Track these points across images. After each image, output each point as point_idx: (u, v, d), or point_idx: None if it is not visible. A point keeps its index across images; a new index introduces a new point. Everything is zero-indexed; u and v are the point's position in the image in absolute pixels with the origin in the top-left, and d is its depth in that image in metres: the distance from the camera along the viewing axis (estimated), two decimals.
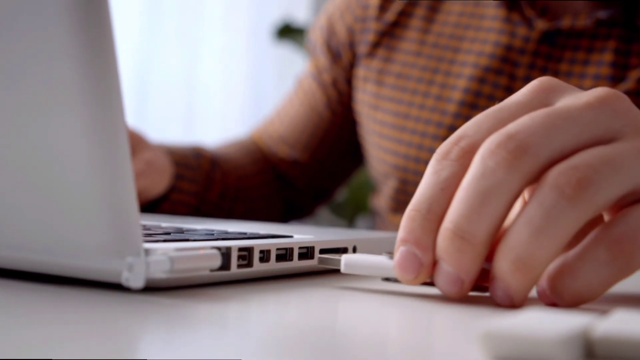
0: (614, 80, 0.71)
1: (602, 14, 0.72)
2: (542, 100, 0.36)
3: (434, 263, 0.34)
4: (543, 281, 0.34)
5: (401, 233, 0.35)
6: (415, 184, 0.35)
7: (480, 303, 0.35)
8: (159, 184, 0.73)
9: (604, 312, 0.33)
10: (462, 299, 0.35)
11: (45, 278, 0.35)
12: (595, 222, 0.36)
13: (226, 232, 0.44)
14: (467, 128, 0.35)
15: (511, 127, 0.34)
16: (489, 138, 0.34)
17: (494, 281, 0.33)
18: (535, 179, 0.33)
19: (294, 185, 0.93)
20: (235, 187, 0.89)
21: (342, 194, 1.92)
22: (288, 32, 1.90)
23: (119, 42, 1.87)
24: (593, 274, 0.33)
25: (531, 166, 0.33)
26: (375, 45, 0.85)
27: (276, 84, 2.15)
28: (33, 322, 0.27)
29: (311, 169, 0.92)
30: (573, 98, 0.36)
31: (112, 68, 0.31)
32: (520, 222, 0.32)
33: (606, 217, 0.36)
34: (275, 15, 2.13)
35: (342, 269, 0.38)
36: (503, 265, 0.33)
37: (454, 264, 0.33)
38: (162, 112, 2.07)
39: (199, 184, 0.83)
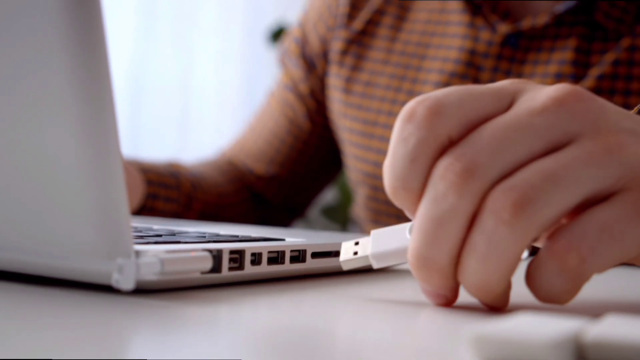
0: (575, 79, 0.72)
1: (559, 8, 0.73)
2: (510, 94, 0.35)
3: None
4: None
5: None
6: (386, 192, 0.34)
7: (471, 307, 0.35)
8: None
9: (595, 316, 0.33)
10: (452, 304, 0.35)
11: (35, 279, 0.35)
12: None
13: (218, 235, 0.44)
14: (438, 92, 0.34)
15: (460, 146, 0.33)
16: (440, 160, 0.33)
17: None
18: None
19: (270, 202, 0.92)
20: (216, 204, 0.87)
21: (334, 198, 1.92)
22: (283, 35, 1.90)
23: (113, 46, 1.87)
24: (548, 284, 0.32)
25: (480, 187, 0.32)
26: (344, 53, 0.85)
27: (272, 86, 2.14)
28: (22, 323, 0.26)
29: (289, 184, 0.91)
30: (530, 100, 0.34)
31: (104, 71, 0.31)
32: (466, 251, 0.32)
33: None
34: (270, 19, 2.13)
35: (374, 264, 0.37)
36: (467, 289, 0.33)
37: (428, 285, 0.34)
38: (157, 117, 2.07)
39: (176, 203, 0.81)
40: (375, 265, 0.37)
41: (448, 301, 0.35)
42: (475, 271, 0.32)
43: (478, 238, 0.32)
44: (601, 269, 0.32)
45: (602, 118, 0.34)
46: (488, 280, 0.32)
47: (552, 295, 0.33)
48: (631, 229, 0.32)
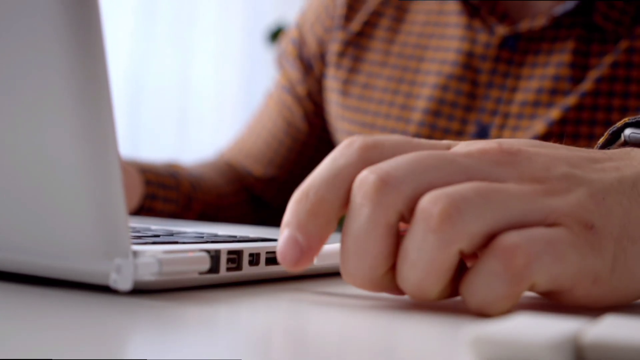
0: (573, 81, 0.72)
1: (557, 10, 0.73)
2: (444, 147, 0.36)
3: (316, 250, 0.34)
4: None
5: (286, 215, 0.34)
6: None
7: (466, 309, 0.35)
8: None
9: (594, 317, 0.33)
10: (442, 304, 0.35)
11: (32, 279, 0.35)
12: None
13: (216, 235, 0.44)
14: (381, 136, 0.35)
15: (380, 163, 0.33)
16: (358, 175, 0.33)
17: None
18: (410, 210, 0.33)
19: (268, 204, 0.92)
20: (216, 205, 0.87)
21: None
22: (282, 36, 1.90)
23: (112, 46, 1.87)
24: (487, 288, 0.31)
25: (394, 198, 0.32)
26: (341, 55, 0.85)
27: (270, 87, 2.15)
28: (19, 323, 0.26)
29: (287, 186, 0.91)
30: (460, 147, 0.35)
31: (102, 71, 0.31)
32: (400, 258, 0.33)
33: None
34: (269, 19, 2.13)
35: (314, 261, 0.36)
36: (407, 294, 0.33)
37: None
38: (156, 116, 2.07)
39: (175, 204, 0.81)
40: (315, 262, 0.36)
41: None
42: (408, 277, 0.32)
43: (408, 245, 0.32)
44: (541, 278, 0.32)
45: (528, 166, 0.34)
46: (421, 286, 0.32)
47: (488, 300, 0.32)
48: (570, 254, 0.32)
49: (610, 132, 0.41)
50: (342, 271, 0.34)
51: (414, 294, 0.33)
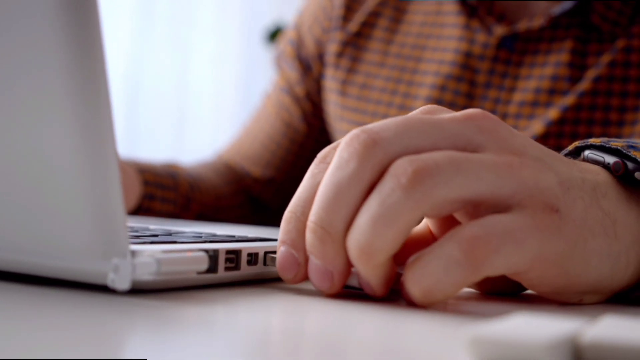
0: (571, 81, 0.72)
1: (555, 10, 0.73)
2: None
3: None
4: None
5: (280, 235, 0.36)
6: None
7: (468, 309, 0.35)
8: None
9: (593, 318, 0.33)
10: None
11: (30, 279, 0.35)
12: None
13: (214, 235, 0.44)
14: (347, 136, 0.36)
15: (370, 124, 0.35)
16: (348, 134, 0.35)
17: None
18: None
19: (267, 206, 0.92)
20: (215, 206, 0.87)
21: None
22: (280, 36, 1.90)
23: (110, 47, 1.87)
24: (443, 272, 0.32)
25: (381, 158, 0.33)
26: (339, 55, 0.85)
27: (268, 88, 2.15)
28: (17, 323, 0.26)
29: (286, 188, 0.91)
30: (445, 114, 0.36)
31: (100, 71, 0.30)
32: (362, 211, 0.33)
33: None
34: (267, 20, 2.13)
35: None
36: (350, 252, 0.33)
37: (318, 256, 0.34)
38: (154, 116, 2.07)
39: (173, 204, 0.81)
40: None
41: (333, 284, 0.35)
42: (363, 231, 0.33)
43: (373, 199, 0.33)
44: (496, 270, 0.33)
45: (509, 139, 0.35)
46: (372, 242, 0.32)
47: (439, 284, 0.32)
48: (529, 239, 0.33)
49: (564, 153, 0.42)
50: (313, 220, 0.34)
51: (361, 249, 0.33)
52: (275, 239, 0.43)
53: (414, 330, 0.30)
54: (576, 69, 0.72)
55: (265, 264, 0.39)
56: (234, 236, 0.44)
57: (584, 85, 0.71)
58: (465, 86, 0.76)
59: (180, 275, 0.33)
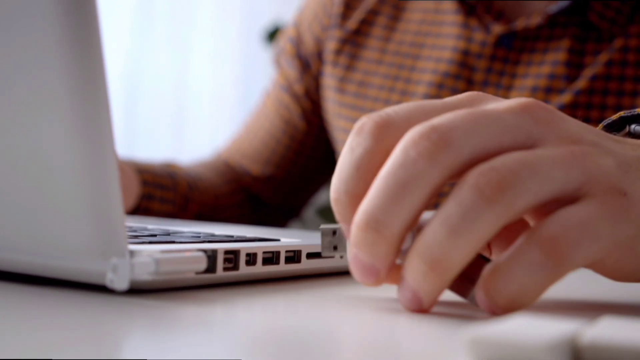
0: (569, 80, 0.72)
1: (553, 9, 0.73)
2: (466, 105, 0.36)
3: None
4: (479, 287, 0.32)
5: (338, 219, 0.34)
6: None
7: (468, 310, 0.35)
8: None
9: (592, 319, 0.33)
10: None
11: (29, 279, 0.35)
12: (521, 229, 0.35)
13: (213, 235, 0.44)
14: (389, 109, 0.35)
15: (436, 120, 0.33)
16: (413, 128, 0.33)
17: (404, 280, 0.32)
18: (456, 175, 0.33)
19: (267, 204, 0.92)
20: (214, 206, 0.87)
21: (329, 198, 1.92)
22: (279, 35, 1.90)
23: (109, 46, 1.87)
24: (527, 276, 0.31)
25: (453, 160, 0.32)
26: (338, 53, 0.85)
27: (268, 86, 2.14)
28: (16, 323, 0.26)
29: (286, 185, 0.91)
30: (497, 103, 0.35)
31: (99, 70, 0.30)
32: (437, 221, 0.31)
33: (532, 225, 0.36)
34: (266, 19, 2.13)
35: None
36: (416, 264, 0.32)
37: (368, 255, 0.32)
38: (153, 116, 2.06)
39: (172, 204, 0.81)
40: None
41: (379, 279, 0.33)
42: (442, 244, 0.31)
43: (453, 211, 0.31)
44: (578, 264, 0.32)
45: (564, 127, 0.34)
46: (451, 256, 0.31)
47: (526, 291, 0.31)
48: (605, 227, 0.32)
49: (604, 124, 0.42)
50: (366, 216, 0.32)
51: (435, 261, 0.31)
52: (273, 239, 0.43)
53: (413, 331, 0.30)
54: (573, 67, 0.72)
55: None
56: (232, 236, 0.43)
57: (581, 83, 0.71)
58: (462, 84, 0.76)
59: (178, 275, 0.33)
